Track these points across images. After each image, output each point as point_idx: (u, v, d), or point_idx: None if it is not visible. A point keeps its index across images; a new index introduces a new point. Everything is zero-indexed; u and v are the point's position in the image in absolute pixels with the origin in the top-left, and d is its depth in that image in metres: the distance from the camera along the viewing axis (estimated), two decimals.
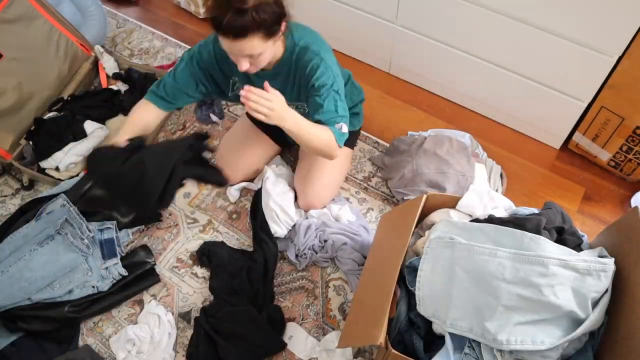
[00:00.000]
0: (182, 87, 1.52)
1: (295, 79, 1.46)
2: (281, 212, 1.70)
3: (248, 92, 1.24)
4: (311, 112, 1.42)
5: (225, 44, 1.28)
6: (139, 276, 1.66)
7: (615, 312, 1.09)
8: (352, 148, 1.87)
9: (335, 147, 1.42)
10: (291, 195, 1.76)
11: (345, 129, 1.41)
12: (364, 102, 1.82)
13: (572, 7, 1.50)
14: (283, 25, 1.31)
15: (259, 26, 1.23)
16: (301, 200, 1.74)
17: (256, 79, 1.48)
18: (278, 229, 1.71)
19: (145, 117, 1.54)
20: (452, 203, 1.38)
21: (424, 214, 1.39)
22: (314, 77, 1.39)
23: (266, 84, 1.30)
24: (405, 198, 1.73)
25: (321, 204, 1.74)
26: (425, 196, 1.33)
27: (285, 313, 1.62)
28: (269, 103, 1.26)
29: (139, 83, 2.02)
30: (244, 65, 1.31)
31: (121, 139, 1.44)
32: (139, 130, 1.50)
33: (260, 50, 1.28)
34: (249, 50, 1.27)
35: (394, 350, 1.12)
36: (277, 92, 1.31)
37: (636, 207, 1.12)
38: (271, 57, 1.36)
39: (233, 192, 1.84)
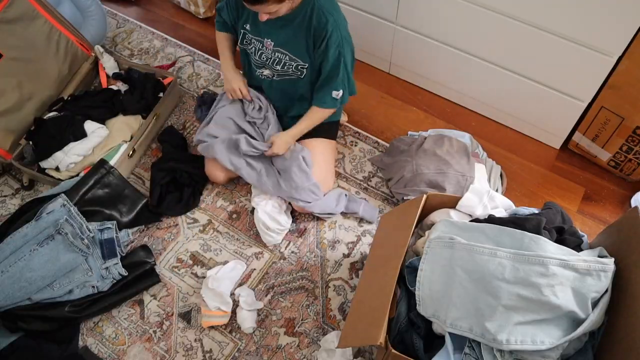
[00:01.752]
0: (228, 14, 1.68)
1: (307, 34, 1.55)
2: (270, 220, 1.68)
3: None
4: (321, 75, 1.61)
5: (244, 3, 1.44)
6: (139, 276, 1.66)
7: (615, 312, 1.09)
8: (335, 139, 1.89)
9: (328, 114, 1.70)
10: (281, 202, 1.73)
11: (340, 94, 1.62)
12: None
13: (572, 7, 1.50)
14: None
15: None
16: (294, 203, 1.73)
17: (265, 26, 1.59)
18: (270, 239, 1.72)
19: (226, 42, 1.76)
20: (452, 203, 1.38)
21: (424, 214, 1.39)
22: (325, 42, 1.52)
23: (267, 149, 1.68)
24: (405, 198, 1.73)
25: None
26: (425, 196, 1.33)
27: (285, 313, 1.62)
28: (272, 152, 1.68)
29: (139, 83, 2.02)
30: (264, 17, 1.46)
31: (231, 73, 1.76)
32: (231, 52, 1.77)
33: (276, 9, 1.43)
34: (265, 11, 1.43)
35: (394, 350, 1.12)
36: (273, 141, 1.67)
37: (636, 207, 1.12)
38: (288, 8, 1.48)
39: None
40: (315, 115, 1.69)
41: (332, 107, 1.68)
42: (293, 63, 1.62)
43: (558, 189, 1.86)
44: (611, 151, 1.79)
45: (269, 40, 1.61)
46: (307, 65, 1.62)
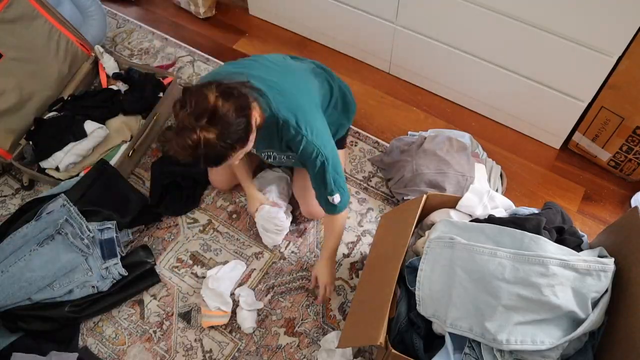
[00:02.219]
0: None
1: (282, 143, 1.43)
2: (267, 223, 1.68)
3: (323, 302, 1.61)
4: (311, 181, 1.48)
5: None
6: (139, 276, 1.66)
7: (615, 312, 1.09)
8: (343, 147, 1.85)
9: (343, 219, 1.55)
10: (281, 203, 1.73)
11: (337, 199, 1.45)
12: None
13: (572, 7, 1.50)
14: (255, 112, 1.28)
15: (232, 148, 1.22)
16: (303, 209, 1.73)
17: None
18: (269, 240, 1.72)
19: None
20: (452, 203, 1.38)
21: (424, 214, 1.39)
22: (300, 156, 1.40)
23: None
24: (405, 198, 1.73)
25: None
26: (425, 196, 1.33)
27: (285, 313, 1.62)
28: (330, 290, 1.59)
29: (138, 83, 2.02)
30: (236, 161, 1.33)
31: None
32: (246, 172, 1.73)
33: (244, 152, 1.30)
34: (234, 162, 1.31)
35: (394, 350, 1.12)
36: (317, 274, 1.58)
37: (636, 207, 1.12)
38: (240, 153, 1.31)
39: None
40: (330, 225, 1.55)
41: (333, 213, 1.49)
42: (283, 155, 1.52)
43: (558, 189, 1.86)
44: (611, 151, 1.79)
45: (253, 149, 1.49)
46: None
